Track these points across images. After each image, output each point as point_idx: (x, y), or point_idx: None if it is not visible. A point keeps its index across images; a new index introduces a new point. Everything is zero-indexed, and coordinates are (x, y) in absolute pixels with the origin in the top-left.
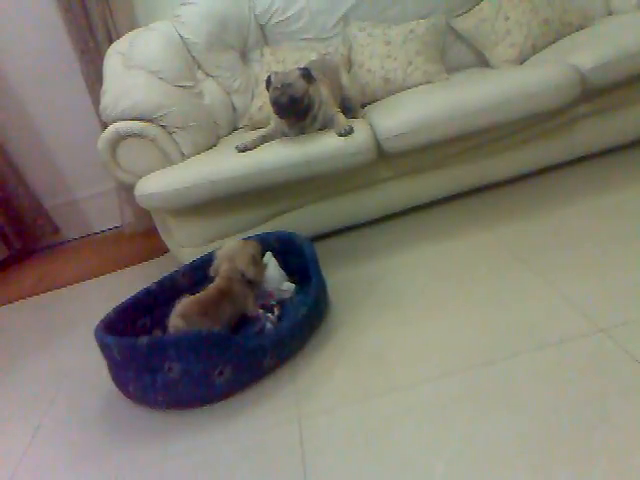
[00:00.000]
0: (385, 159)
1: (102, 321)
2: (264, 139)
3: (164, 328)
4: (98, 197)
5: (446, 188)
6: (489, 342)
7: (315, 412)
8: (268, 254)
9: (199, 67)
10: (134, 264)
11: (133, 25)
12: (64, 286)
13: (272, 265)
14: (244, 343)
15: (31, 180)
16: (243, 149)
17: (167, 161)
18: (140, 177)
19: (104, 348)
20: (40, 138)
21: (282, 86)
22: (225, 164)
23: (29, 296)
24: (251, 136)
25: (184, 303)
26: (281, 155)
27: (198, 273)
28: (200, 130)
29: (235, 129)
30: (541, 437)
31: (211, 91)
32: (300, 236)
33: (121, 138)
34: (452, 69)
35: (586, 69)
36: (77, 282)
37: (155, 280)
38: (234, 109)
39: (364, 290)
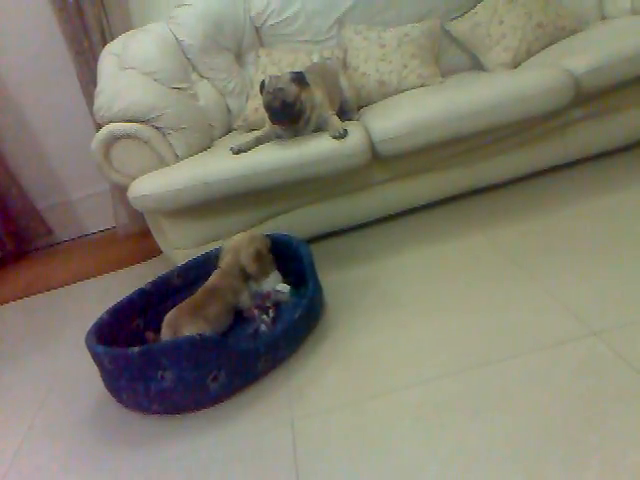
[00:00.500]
0: (380, 161)
1: (95, 324)
2: (259, 141)
3: (158, 329)
4: (92, 198)
5: (441, 191)
6: (483, 344)
7: (308, 414)
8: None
9: (194, 69)
10: (128, 265)
11: (128, 26)
12: (57, 287)
13: None
14: (238, 347)
15: (24, 181)
16: (238, 151)
17: (161, 162)
18: (134, 178)
19: (95, 357)
20: (34, 139)
21: (274, 90)
22: (219, 166)
23: (22, 297)
24: (246, 138)
25: (171, 312)
26: (276, 157)
27: (192, 273)
28: (194, 132)
29: (230, 131)
30: (535, 439)
31: (206, 93)
32: (296, 238)
33: (115, 139)
34: (447, 72)
35: (580, 73)
36: (71, 283)
37: (149, 281)
38: (229, 111)
39: (358, 292)
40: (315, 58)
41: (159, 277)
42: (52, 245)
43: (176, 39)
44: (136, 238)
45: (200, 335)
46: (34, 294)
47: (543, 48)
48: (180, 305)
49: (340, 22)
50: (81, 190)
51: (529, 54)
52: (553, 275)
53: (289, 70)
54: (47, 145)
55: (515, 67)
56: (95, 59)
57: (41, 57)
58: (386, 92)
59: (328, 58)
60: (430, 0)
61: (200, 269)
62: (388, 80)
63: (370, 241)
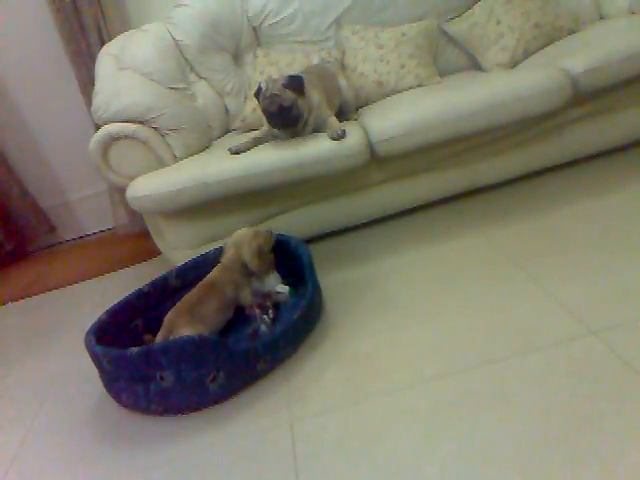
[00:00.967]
0: (378, 162)
1: (94, 324)
2: (257, 141)
3: (157, 330)
4: (91, 199)
5: (439, 191)
6: (482, 344)
7: (308, 415)
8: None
9: (192, 69)
10: (127, 266)
11: (125, 27)
12: (57, 288)
13: None
14: (237, 348)
15: (25, 181)
16: (236, 151)
17: (159, 163)
18: (132, 179)
19: (94, 357)
20: (33, 139)
21: (271, 95)
22: (218, 166)
23: (22, 298)
24: (244, 138)
25: (170, 312)
26: (274, 157)
27: (191, 274)
28: (192, 132)
29: (228, 131)
30: (533, 439)
31: (204, 93)
32: (295, 238)
33: (113, 140)
34: (444, 72)
35: (577, 73)
36: (70, 284)
37: (148, 282)
38: (227, 111)
39: (357, 292)
40: (315, 60)
41: (158, 278)
42: (52, 245)
43: (174, 39)
44: (135, 239)
45: (199, 336)
46: (34, 294)
47: (541, 48)
48: (177, 305)
49: (338, 22)
50: (81, 191)
51: (527, 54)
52: (551, 275)
53: (288, 71)
54: (46, 145)
55: (513, 67)
56: (93, 60)
57: (39, 58)
58: (384, 92)
59: (328, 62)
60: (427, 0)
61: (199, 270)
62: (386, 80)
63: (369, 241)
